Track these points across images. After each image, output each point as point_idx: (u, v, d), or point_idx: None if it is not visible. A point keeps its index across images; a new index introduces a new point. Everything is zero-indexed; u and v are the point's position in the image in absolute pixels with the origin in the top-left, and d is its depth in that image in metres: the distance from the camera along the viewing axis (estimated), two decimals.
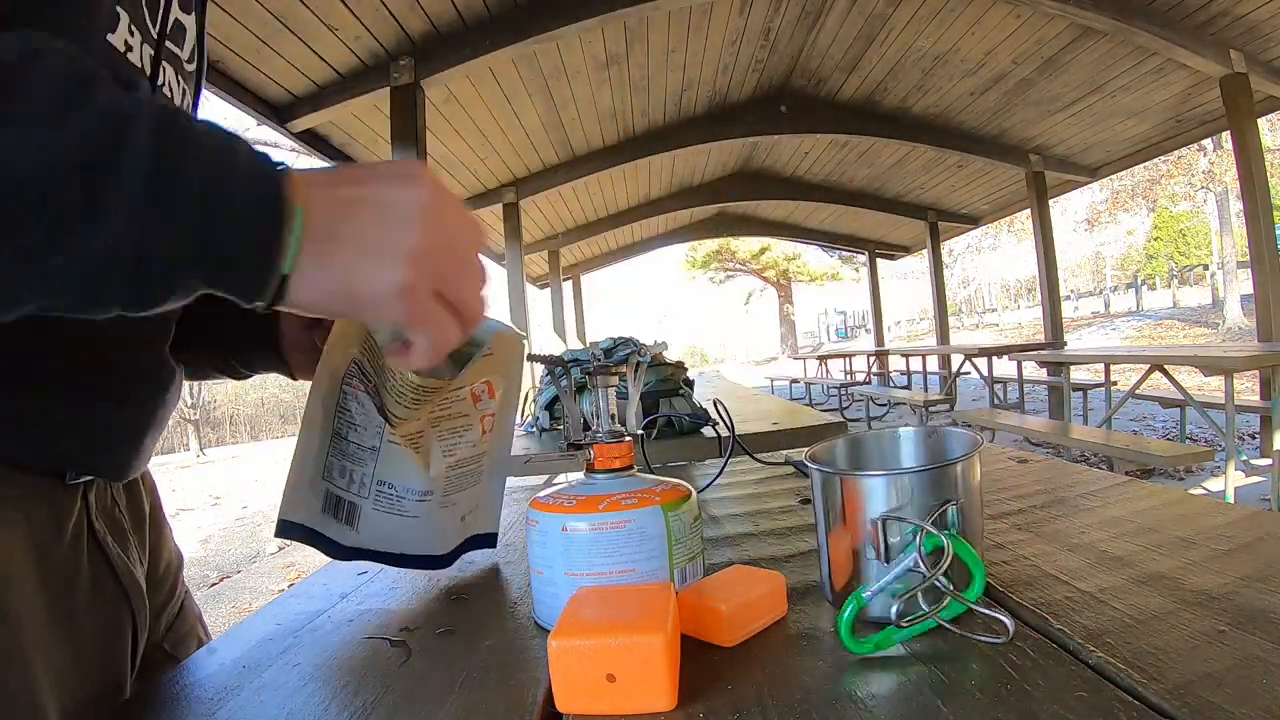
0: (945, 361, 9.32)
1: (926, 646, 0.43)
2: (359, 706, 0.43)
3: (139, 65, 0.47)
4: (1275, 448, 3.51)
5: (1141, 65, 4.87)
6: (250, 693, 0.46)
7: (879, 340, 11.51)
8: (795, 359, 15.55)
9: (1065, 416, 4.91)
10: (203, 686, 0.48)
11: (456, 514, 0.65)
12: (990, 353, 7.06)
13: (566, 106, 4.96)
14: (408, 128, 3.58)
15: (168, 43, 0.51)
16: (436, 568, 0.65)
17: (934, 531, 0.44)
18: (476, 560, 0.71)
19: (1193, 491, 0.95)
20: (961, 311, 31.59)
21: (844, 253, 17.69)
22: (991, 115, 6.00)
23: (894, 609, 0.46)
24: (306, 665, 0.50)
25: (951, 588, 0.43)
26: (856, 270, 26.68)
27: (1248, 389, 5.73)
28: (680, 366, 2.07)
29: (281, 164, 0.35)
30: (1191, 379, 6.96)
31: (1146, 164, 9.34)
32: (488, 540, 0.71)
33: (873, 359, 11.16)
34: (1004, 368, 7.76)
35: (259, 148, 0.35)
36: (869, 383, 10.77)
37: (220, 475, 11.07)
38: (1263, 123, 5.63)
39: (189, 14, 0.55)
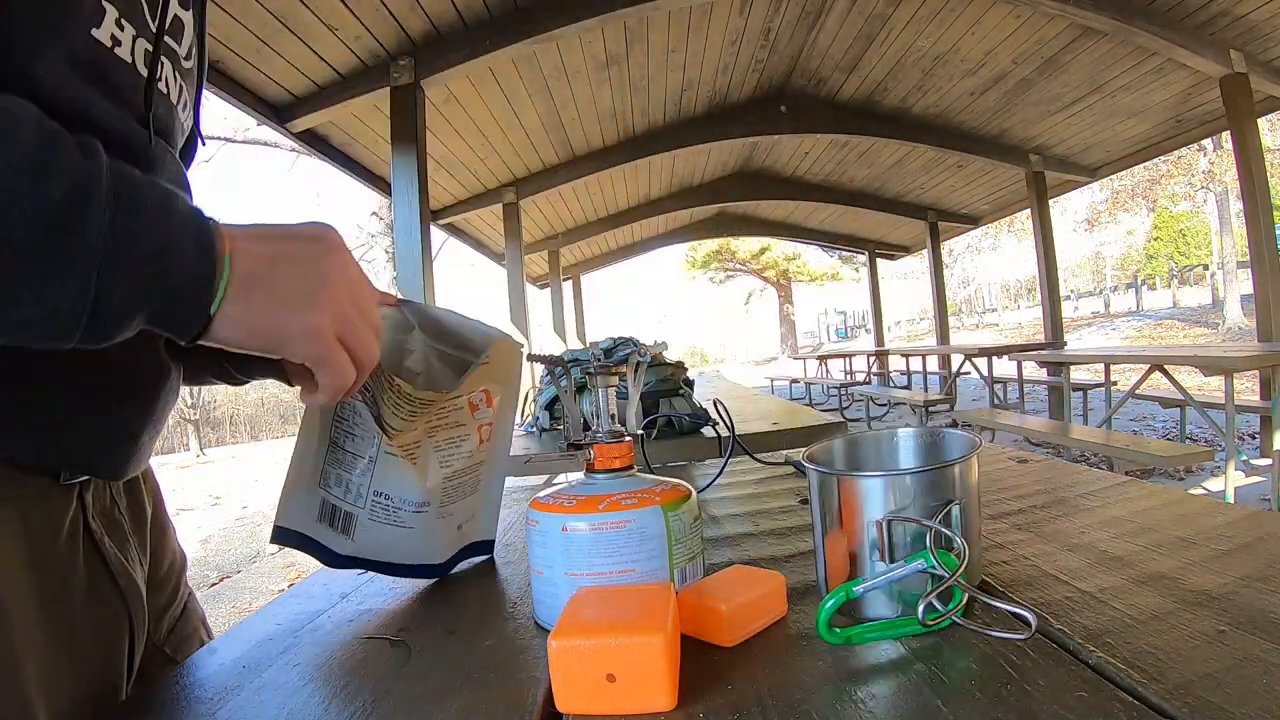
0: (945, 361, 9.32)
1: (927, 646, 0.43)
2: (359, 706, 0.43)
3: (129, 61, 0.47)
4: (1275, 448, 3.51)
5: (1141, 65, 4.87)
6: (250, 693, 0.46)
7: (879, 340, 11.50)
8: (795, 359, 15.55)
9: (1065, 416, 4.91)
10: (203, 686, 0.48)
11: (453, 524, 0.65)
12: (990, 353, 7.06)
13: (566, 106, 4.96)
14: (408, 128, 3.58)
15: (166, 38, 0.51)
16: (432, 577, 0.64)
17: (946, 531, 0.44)
18: (476, 560, 0.71)
19: (1193, 491, 0.95)
20: (961, 311, 31.58)
21: (844, 253, 17.69)
22: (991, 115, 6.00)
23: (897, 609, 0.46)
24: (306, 665, 0.50)
25: (966, 581, 0.43)
26: (856, 270, 26.68)
27: (1248, 389, 5.73)
28: (680, 366, 2.07)
29: (210, 218, 0.41)
30: (1191, 379, 6.96)
31: (1146, 164, 9.34)
32: (484, 547, 0.71)
33: (873, 359, 11.16)
34: (1004, 368, 7.76)
35: (198, 206, 0.41)
36: (869, 383, 10.77)
37: (220, 475, 11.07)
38: (1263, 123, 5.62)
39: (187, 10, 0.55)
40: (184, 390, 0.70)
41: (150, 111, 0.50)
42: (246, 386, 0.66)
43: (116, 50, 0.46)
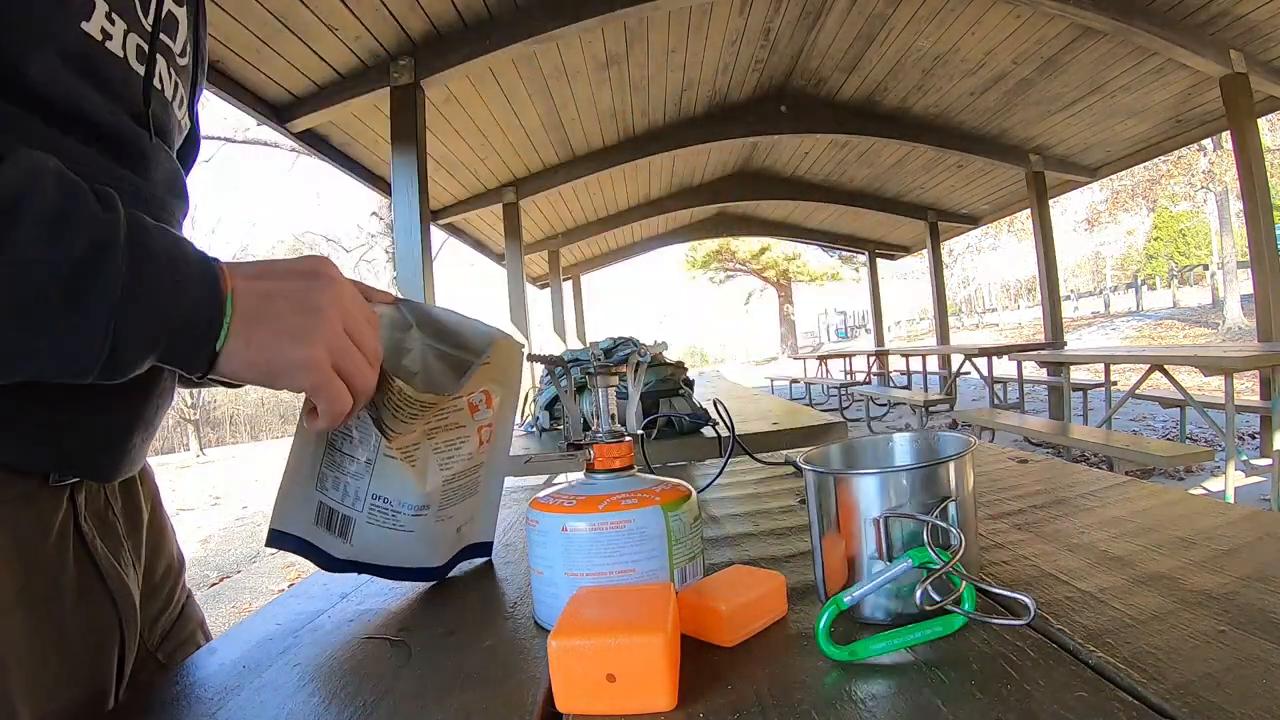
0: (945, 361, 9.32)
1: (926, 647, 0.43)
2: (359, 706, 0.43)
3: (120, 55, 0.47)
4: (1275, 448, 3.51)
5: (1141, 65, 4.87)
6: (250, 693, 0.46)
7: (879, 340, 11.50)
8: (795, 359, 15.56)
9: (1065, 416, 4.91)
10: (203, 686, 0.48)
11: (452, 526, 0.65)
12: (990, 353, 7.06)
13: (566, 106, 4.96)
14: (408, 128, 3.58)
15: (161, 35, 0.51)
16: (430, 580, 0.64)
17: (943, 525, 0.44)
18: (476, 560, 0.71)
19: (1193, 491, 0.95)
20: (961, 311, 31.58)
21: (844, 253, 17.69)
22: (991, 115, 6.00)
23: (894, 608, 0.46)
24: (306, 665, 0.50)
25: (963, 570, 0.43)
26: (856, 270, 26.68)
27: (1248, 389, 5.73)
28: (680, 366, 2.07)
29: (214, 259, 0.43)
30: (1191, 379, 6.96)
31: (1146, 164, 9.34)
32: (483, 549, 0.70)
33: (873, 359, 11.16)
34: (1004, 368, 7.76)
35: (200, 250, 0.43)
36: (869, 383, 10.77)
37: (220, 475, 11.07)
38: (1263, 123, 5.62)
39: (181, 6, 0.55)
40: (184, 390, 0.70)
41: (149, 108, 0.50)
42: (247, 386, 0.66)
43: (108, 44, 0.46)
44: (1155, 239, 29.98)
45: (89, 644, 0.48)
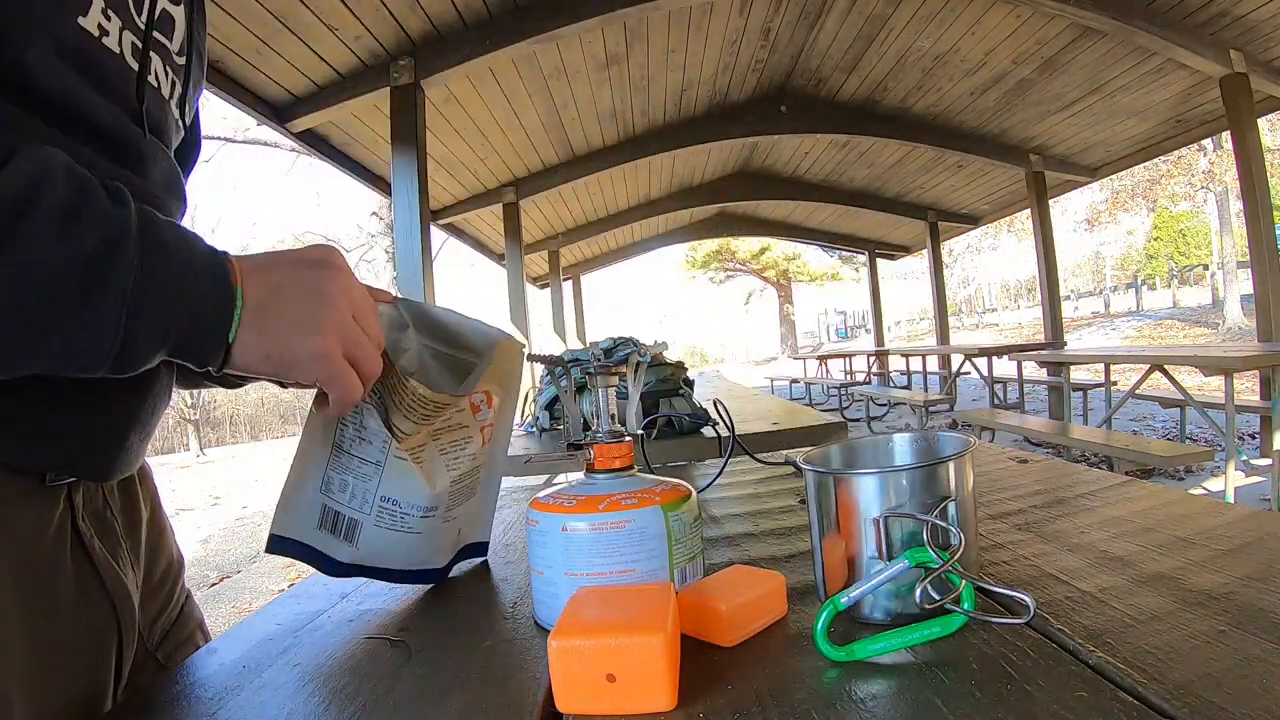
0: (945, 361, 9.32)
1: (926, 646, 0.43)
2: (359, 706, 0.43)
3: (117, 51, 0.47)
4: (1275, 448, 3.51)
5: (1141, 65, 4.87)
6: (250, 693, 0.46)
7: (879, 340, 11.50)
8: (795, 359, 15.55)
9: (1065, 416, 4.91)
10: (203, 686, 0.48)
11: (455, 528, 0.65)
12: (990, 353, 7.06)
13: (566, 106, 4.96)
14: (408, 128, 3.57)
15: (155, 33, 0.51)
16: (431, 582, 0.64)
17: (942, 524, 0.44)
18: (474, 560, 0.71)
19: (1193, 491, 0.95)
20: (961, 311, 31.58)
21: (844, 253, 17.69)
22: (991, 115, 6.00)
23: (893, 608, 0.46)
24: (306, 665, 0.50)
25: (962, 569, 0.43)
26: (856, 270, 26.68)
27: (1248, 389, 5.73)
28: (680, 366, 2.07)
29: (223, 251, 0.43)
30: (1191, 379, 6.96)
31: (1146, 164, 9.34)
32: (480, 549, 0.70)
33: (873, 359, 11.16)
34: (1004, 368, 7.76)
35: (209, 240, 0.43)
36: (869, 383, 10.77)
37: (220, 475, 11.07)
38: (1263, 123, 5.62)
39: (177, 5, 0.55)
40: (184, 390, 0.69)
41: (143, 105, 0.50)
42: (247, 387, 0.66)
43: (104, 40, 0.46)
44: (1155, 239, 29.98)
45: (86, 644, 0.48)
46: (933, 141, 6.31)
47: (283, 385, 0.61)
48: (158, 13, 0.51)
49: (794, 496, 0.88)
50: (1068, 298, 27.22)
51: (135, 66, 0.50)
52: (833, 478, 0.49)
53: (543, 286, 9.75)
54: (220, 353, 0.42)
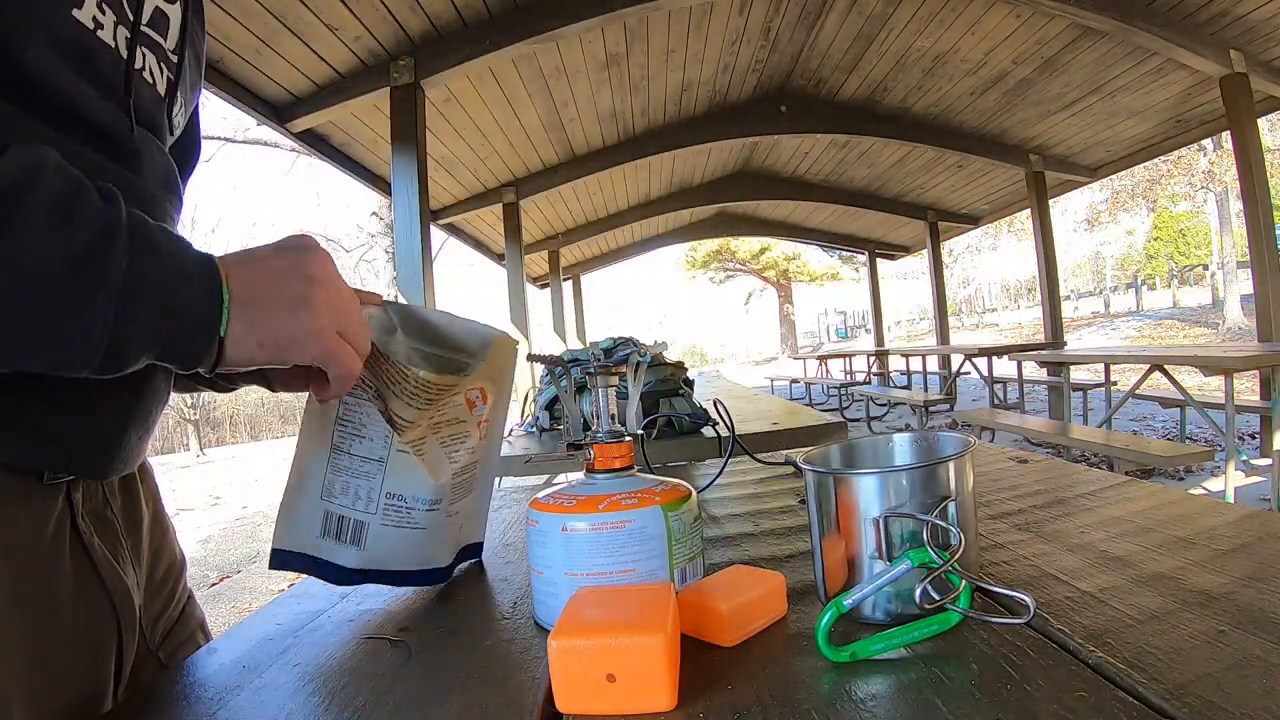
0: (945, 361, 9.32)
1: (926, 646, 0.43)
2: (359, 706, 0.43)
3: (111, 45, 0.47)
4: (1275, 448, 3.51)
5: (1141, 65, 4.87)
6: (250, 693, 0.46)
7: (879, 340, 11.50)
8: (795, 359, 15.55)
9: (1065, 416, 4.91)
10: (203, 686, 0.48)
11: (457, 523, 0.65)
12: (990, 353, 7.06)
13: (566, 106, 4.96)
14: (408, 128, 3.57)
15: (145, 28, 0.51)
16: (435, 583, 0.64)
17: (943, 524, 0.44)
18: (469, 561, 0.71)
19: (1193, 491, 0.95)
20: (961, 311, 31.57)
21: (844, 253, 17.68)
22: (991, 115, 5.99)
23: (894, 608, 0.46)
24: (306, 665, 0.50)
25: (961, 568, 0.43)
26: (856, 270, 26.67)
27: (1248, 389, 5.73)
28: (680, 366, 2.07)
29: (210, 254, 0.44)
30: (1191, 379, 6.96)
31: (1146, 164, 9.34)
32: (475, 550, 0.70)
33: (873, 359, 11.16)
34: (1004, 368, 7.76)
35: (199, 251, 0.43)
36: (869, 383, 10.77)
37: (220, 475, 11.07)
38: (1263, 123, 5.63)
39: (172, 3, 0.55)
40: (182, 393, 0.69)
41: (130, 97, 0.50)
42: (247, 387, 0.65)
43: (99, 33, 0.46)
44: (1155, 239, 29.98)
45: (86, 642, 0.48)
46: (933, 141, 6.30)
47: (273, 389, 0.61)
48: (150, 11, 0.51)
49: (794, 496, 0.88)
50: (1068, 298, 27.23)
51: (125, 58, 0.50)
52: (833, 478, 0.49)
53: (543, 286, 9.75)
54: (212, 351, 0.42)
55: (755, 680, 0.41)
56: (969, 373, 7.77)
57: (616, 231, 9.07)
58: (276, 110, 3.86)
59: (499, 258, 7.98)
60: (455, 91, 4.24)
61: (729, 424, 0.99)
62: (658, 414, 1.88)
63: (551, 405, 2.19)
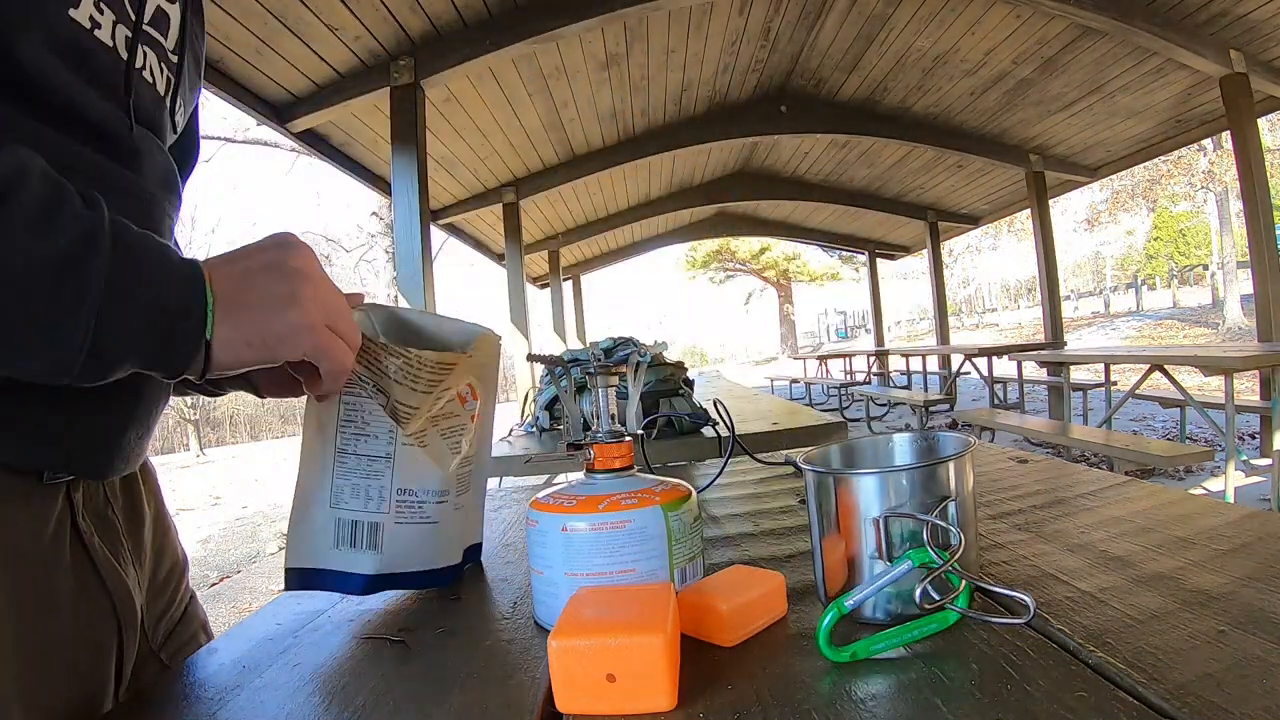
0: (945, 361, 9.32)
1: (926, 646, 0.43)
2: (359, 706, 0.43)
3: (110, 44, 0.47)
4: (1275, 448, 3.51)
5: (1141, 65, 4.87)
6: (250, 693, 0.46)
7: (879, 340, 11.50)
8: (795, 359, 15.55)
9: (1065, 416, 4.91)
10: (203, 686, 0.48)
11: (463, 517, 0.65)
12: (990, 353, 7.06)
13: (566, 106, 4.96)
14: (408, 128, 3.57)
15: (147, 28, 0.51)
16: (446, 583, 0.64)
17: (943, 524, 0.44)
18: (475, 560, 0.71)
19: (1193, 491, 0.95)
20: (961, 311, 31.57)
21: (844, 253, 17.68)
22: (991, 115, 5.99)
23: (894, 608, 0.46)
24: (306, 665, 0.50)
25: (961, 568, 0.43)
26: (856, 270, 26.67)
27: (1248, 389, 5.73)
28: (680, 366, 2.07)
29: (192, 258, 0.43)
30: (1191, 379, 6.96)
31: (1146, 164, 9.34)
32: (476, 551, 0.71)
33: (873, 359, 11.16)
34: (1004, 368, 7.76)
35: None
36: (869, 383, 10.77)
37: (220, 475, 11.06)
38: (1263, 123, 5.63)
39: (173, 3, 0.54)
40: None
41: (130, 97, 0.50)
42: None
43: (97, 33, 0.46)
44: (1155, 239, 29.98)
45: (86, 642, 0.48)
46: (933, 141, 6.31)
47: (259, 394, 0.61)
48: (151, 10, 0.51)
49: (794, 496, 0.88)
50: (1068, 298, 27.23)
51: (126, 57, 0.50)
52: (833, 478, 0.49)
53: (543, 286, 9.75)
54: (199, 355, 0.42)
55: (755, 680, 0.41)
56: (969, 373, 7.77)
57: (616, 231, 9.07)
58: (276, 110, 3.86)
59: (499, 258, 7.98)
60: (455, 91, 4.25)
61: (729, 424, 0.99)
62: (658, 414, 1.88)
63: (551, 405, 2.19)
